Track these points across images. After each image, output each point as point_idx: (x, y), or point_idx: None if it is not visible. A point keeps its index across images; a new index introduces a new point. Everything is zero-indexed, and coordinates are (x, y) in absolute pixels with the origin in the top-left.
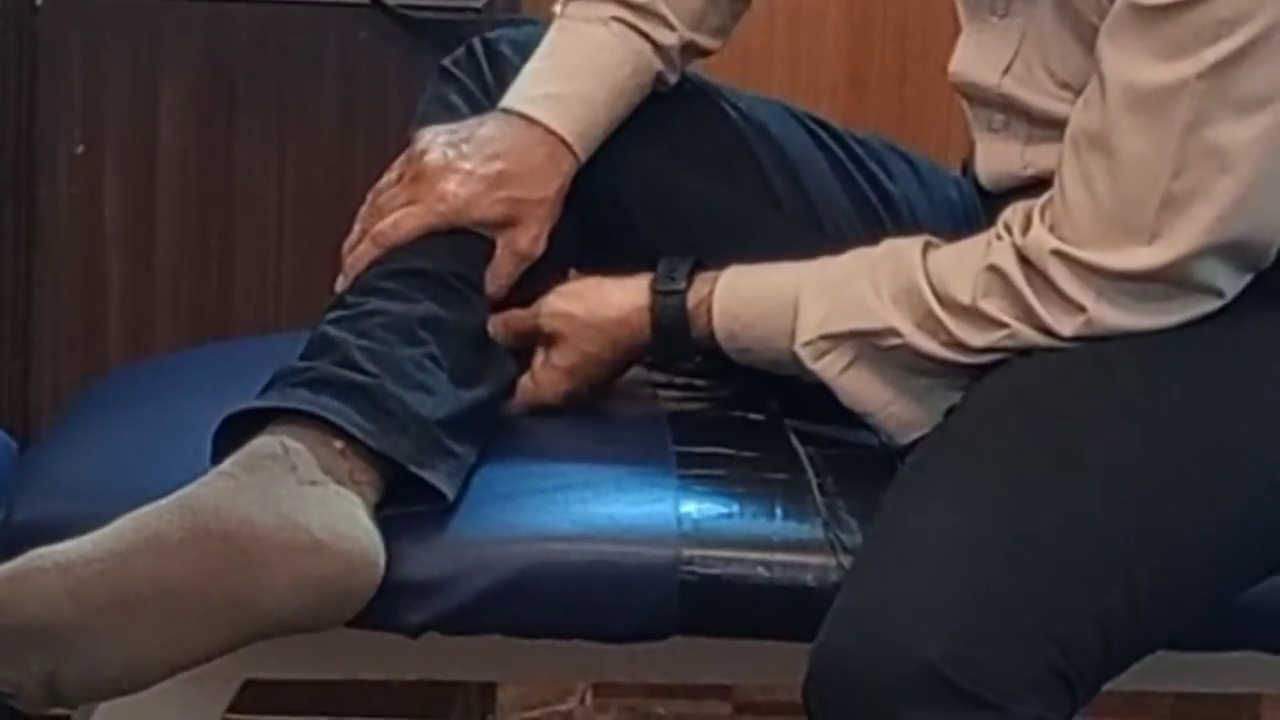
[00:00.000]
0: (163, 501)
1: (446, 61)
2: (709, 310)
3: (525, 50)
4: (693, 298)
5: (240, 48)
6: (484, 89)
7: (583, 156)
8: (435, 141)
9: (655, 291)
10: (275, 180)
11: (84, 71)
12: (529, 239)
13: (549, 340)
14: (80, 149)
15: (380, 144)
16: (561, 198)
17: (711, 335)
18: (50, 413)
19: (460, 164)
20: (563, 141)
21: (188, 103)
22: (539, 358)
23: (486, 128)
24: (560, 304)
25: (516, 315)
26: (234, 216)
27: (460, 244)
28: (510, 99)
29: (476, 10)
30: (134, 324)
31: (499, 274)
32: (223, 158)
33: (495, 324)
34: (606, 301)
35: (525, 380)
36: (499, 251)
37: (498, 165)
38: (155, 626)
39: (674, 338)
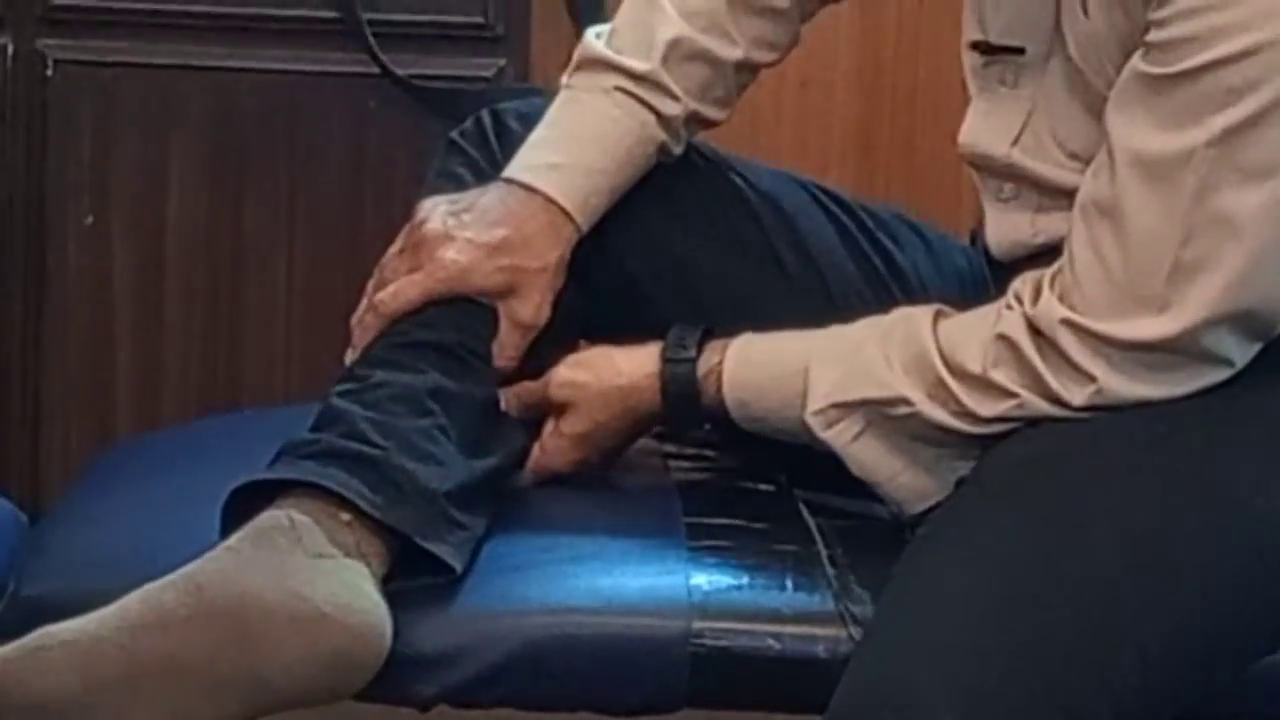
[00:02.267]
0: (169, 577)
1: (454, 134)
2: (719, 378)
3: (532, 122)
4: (703, 365)
5: (249, 117)
6: (491, 161)
7: (584, 226)
8: (436, 211)
9: (665, 359)
10: (284, 250)
11: (93, 141)
12: (531, 308)
13: (559, 409)
14: (89, 219)
15: (389, 213)
16: (563, 267)
17: (722, 403)
18: (59, 484)
19: (460, 232)
20: (563, 211)
21: (197, 173)
22: (549, 427)
23: (487, 197)
24: (570, 373)
25: (526, 387)
26: (243, 286)
27: (466, 314)
28: (512, 169)
29: (486, 80)
30: (143, 394)
31: (505, 346)
32: (232, 228)
33: (506, 396)
34: (616, 370)
35: (536, 450)
36: (503, 323)
37: (498, 233)
38: (163, 703)
39: (684, 405)
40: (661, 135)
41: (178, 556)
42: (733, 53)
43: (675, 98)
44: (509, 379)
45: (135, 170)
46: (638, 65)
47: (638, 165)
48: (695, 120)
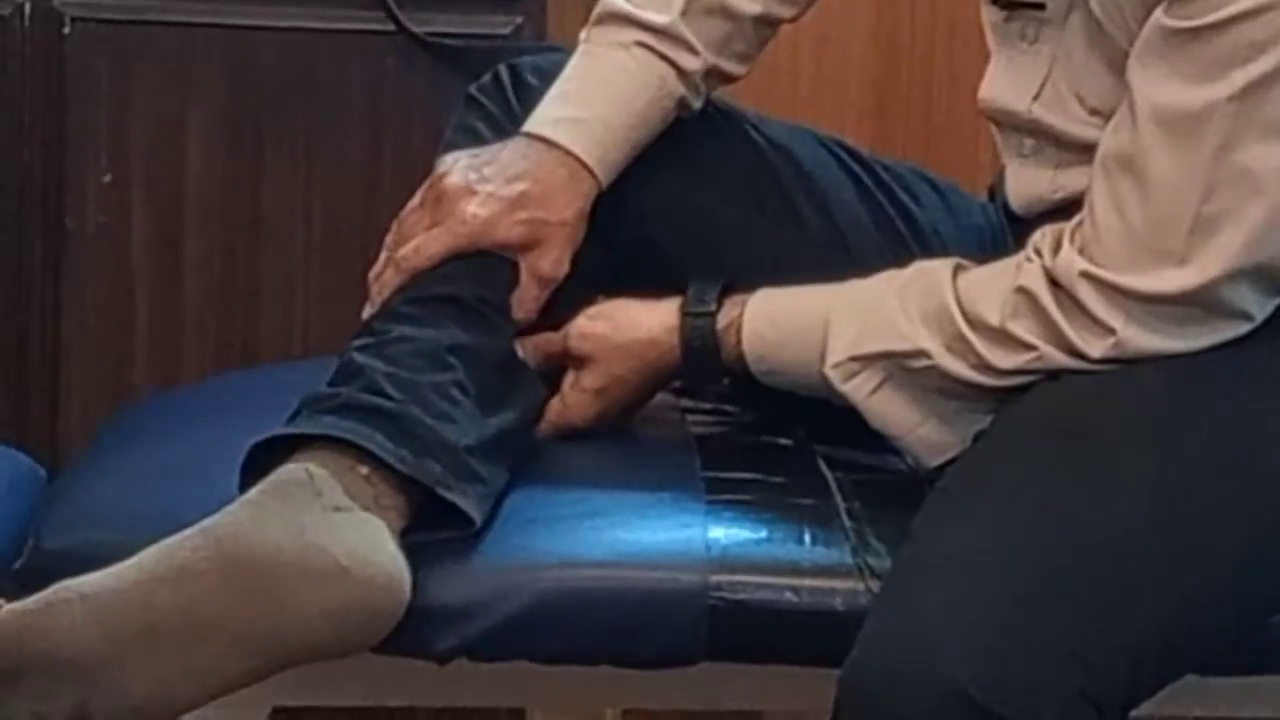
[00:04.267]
0: (188, 531)
1: (472, 89)
2: (738, 332)
3: (550, 77)
4: (722, 319)
5: (267, 75)
6: (510, 116)
7: (603, 180)
8: (456, 165)
9: (685, 313)
10: (302, 208)
11: (111, 100)
12: (551, 261)
13: (578, 362)
14: (107, 178)
15: (407, 170)
16: (583, 220)
17: (741, 357)
18: (79, 441)
19: (481, 186)
20: (583, 165)
21: (215, 131)
22: (568, 380)
23: (507, 151)
24: (589, 326)
25: (545, 338)
26: (261, 244)
27: (485, 267)
28: (532, 123)
29: (503, 37)
30: (162, 352)
31: (524, 298)
32: (250, 186)
33: (524, 346)
34: (636, 323)
35: (555, 403)
36: (523, 275)
37: (518, 187)
38: (182, 656)
39: (703, 359)
40: (680, 90)
41: (196, 511)
42: (751, 7)
43: (694, 51)
44: (526, 332)
45: (153, 128)
46: (656, 18)
47: (657, 120)
48: (715, 75)
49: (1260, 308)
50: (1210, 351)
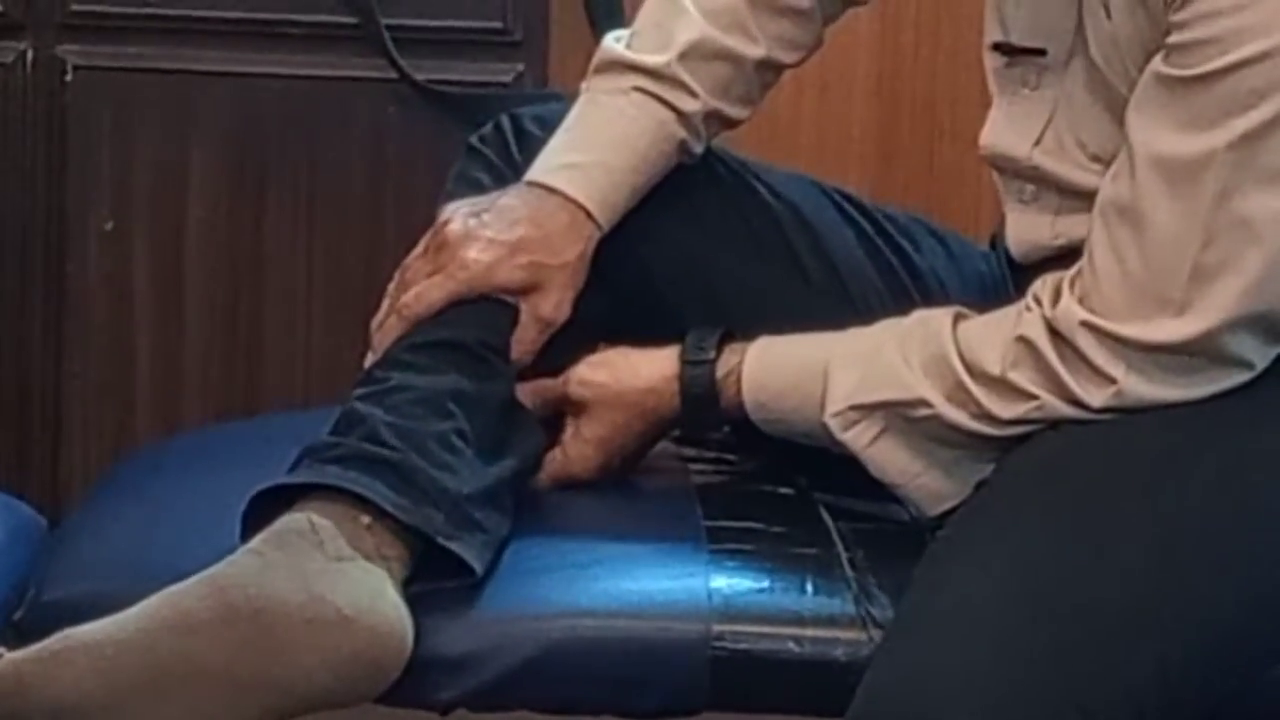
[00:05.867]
0: (191, 580)
1: (474, 139)
2: (738, 380)
3: (551, 126)
4: (721, 368)
5: (269, 123)
6: (511, 165)
7: (604, 224)
8: (458, 213)
9: (684, 361)
10: (304, 255)
11: (113, 147)
12: (551, 304)
13: (577, 409)
14: (109, 225)
15: (409, 218)
16: (584, 263)
17: (740, 405)
18: (80, 490)
19: (482, 231)
20: (583, 209)
21: (217, 178)
22: (569, 430)
23: (508, 198)
24: (589, 373)
25: (545, 384)
26: (263, 292)
27: (485, 312)
28: (532, 172)
29: (504, 85)
30: (163, 400)
31: (524, 340)
32: (251, 233)
33: (524, 392)
34: (635, 371)
35: (556, 455)
36: (523, 317)
37: (518, 231)
38: (184, 705)
39: (703, 407)
40: (681, 133)
41: (198, 560)
42: (754, 51)
43: (693, 94)
44: (526, 376)
45: (155, 176)
46: (652, 61)
47: (658, 164)
48: (716, 118)
49: (1261, 356)
50: (1211, 400)
